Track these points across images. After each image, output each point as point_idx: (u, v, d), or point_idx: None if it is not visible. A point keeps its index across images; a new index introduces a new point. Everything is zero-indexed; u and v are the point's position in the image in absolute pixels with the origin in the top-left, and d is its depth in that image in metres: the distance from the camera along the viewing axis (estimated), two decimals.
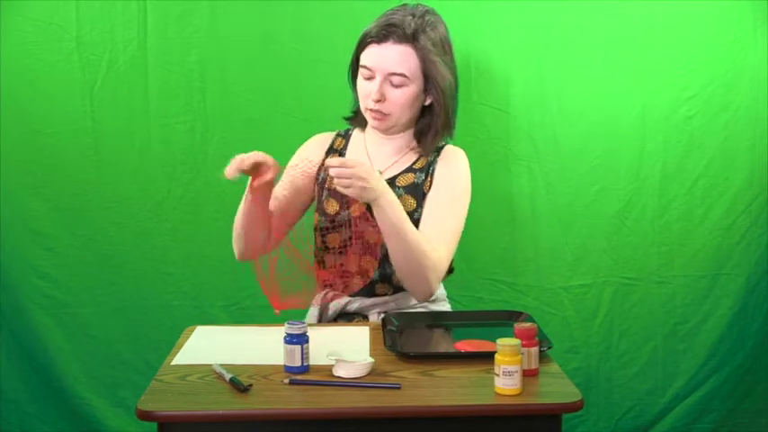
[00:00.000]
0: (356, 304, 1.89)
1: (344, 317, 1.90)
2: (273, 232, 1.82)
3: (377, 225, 1.73)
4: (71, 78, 2.30)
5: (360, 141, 1.96)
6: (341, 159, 1.73)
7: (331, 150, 1.96)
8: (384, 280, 1.88)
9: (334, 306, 1.89)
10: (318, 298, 1.93)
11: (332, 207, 1.87)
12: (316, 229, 1.91)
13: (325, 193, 1.90)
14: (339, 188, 1.66)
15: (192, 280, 2.38)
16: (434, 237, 1.79)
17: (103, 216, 2.36)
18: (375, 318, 1.87)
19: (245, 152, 2.32)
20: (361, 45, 1.84)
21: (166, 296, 2.39)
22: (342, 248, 1.84)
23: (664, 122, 2.35)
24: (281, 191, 1.88)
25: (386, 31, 1.79)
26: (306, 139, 2.13)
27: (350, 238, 1.82)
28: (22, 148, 2.32)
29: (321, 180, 1.92)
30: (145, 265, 2.38)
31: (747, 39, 2.31)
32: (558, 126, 2.35)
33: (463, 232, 2.21)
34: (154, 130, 2.34)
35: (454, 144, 2.09)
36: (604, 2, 2.31)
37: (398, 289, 1.89)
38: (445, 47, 1.85)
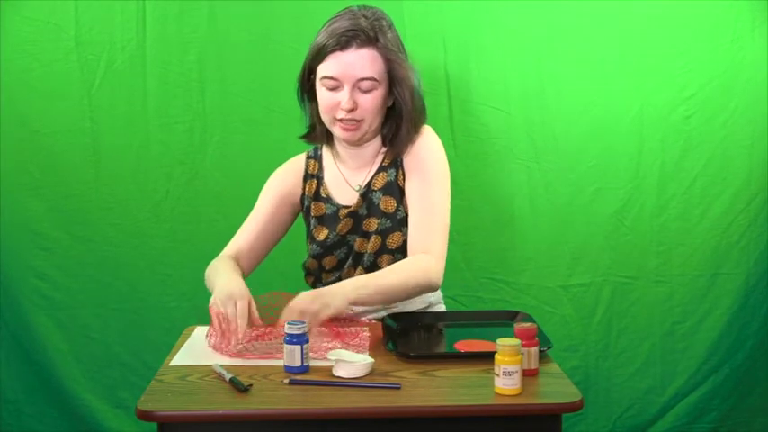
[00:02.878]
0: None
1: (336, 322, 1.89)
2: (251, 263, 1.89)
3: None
4: (70, 78, 2.30)
5: (330, 161, 1.91)
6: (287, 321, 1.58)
7: (308, 177, 1.91)
8: None
9: None
10: None
11: (322, 234, 1.86)
12: (309, 257, 1.91)
13: (313, 221, 1.88)
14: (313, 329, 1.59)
15: (191, 281, 2.37)
16: (425, 231, 1.77)
17: (102, 217, 2.36)
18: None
19: (244, 152, 2.35)
20: (318, 57, 1.77)
21: (165, 297, 2.39)
22: (339, 265, 1.87)
23: (662, 122, 2.36)
24: (256, 226, 1.89)
25: (346, 37, 1.73)
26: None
27: (346, 255, 1.84)
28: (21, 149, 2.32)
29: (306, 209, 1.90)
30: (143, 266, 2.38)
31: (746, 39, 2.32)
32: (557, 126, 2.35)
33: (463, 232, 2.22)
34: (152, 130, 2.34)
35: (453, 143, 2.10)
36: (603, 2, 2.31)
37: None
38: (400, 46, 1.81)
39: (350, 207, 1.85)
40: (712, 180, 2.38)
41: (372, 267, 1.82)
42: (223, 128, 2.34)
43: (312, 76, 1.81)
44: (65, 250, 2.36)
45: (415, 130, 1.83)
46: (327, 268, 1.88)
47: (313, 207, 1.88)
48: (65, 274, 2.37)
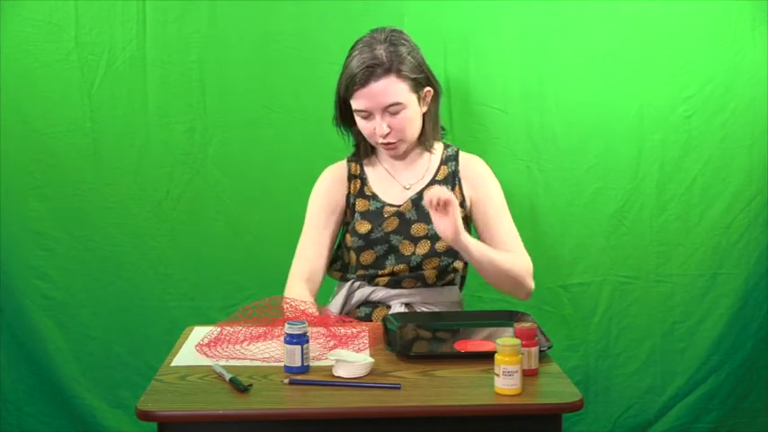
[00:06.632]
0: (381, 293, 1.94)
1: (368, 305, 1.96)
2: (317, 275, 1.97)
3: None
4: (70, 78, 2.30)
5: (376, 163, 2.02)
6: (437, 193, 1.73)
7: (351, 177, 2.00)
8: (414, 277, 1.94)
9: (359, 294, 1.96)
10: (344, 290, 1.98)
11: (364, 227, 1.94)
12: (349, 249, 1.97)
13: (357, 215, 1.95)
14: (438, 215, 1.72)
15: (191, 280, 2.38)
16: (513, 241, 1.94)
17: (103, 217, 2.36)
18: (398, 307, 1.92)
19: (245, 152, 2.36)
20: (348, 91, 1.89)
21: (165, 297, 2.39)
22: (376, 263, 1.93)
23: (662, 122, 2.36)
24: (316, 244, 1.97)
25: (364, 75, 1.85)
26: (305, 139, 2.13)
27: (385, 253, 1.92)
28: (22, 149, 2.32)
29: (352, 204, 1.98)
30: (144, 266, 2.38)
31: (746, 39, 2.31)
32: (556, 126, 2.35)
33: None
34: (153, 130, 2.34)
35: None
36: (603, 2, 2.31)
37: (426, 285, 1.95)
38: (419, 61, 1.91)
39: (397, 207, 1.94)
40: (712, 180, 2.38)
41: (418, 268, 1.92)
42: (224, 128, 2.34)
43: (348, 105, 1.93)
44: (65, 250, 2.36)
45: (436, 133, 2.01)
46: (363, 264, 1.94)
47: (358, 203, 1.97)
48: (65, 273, 2.37)
